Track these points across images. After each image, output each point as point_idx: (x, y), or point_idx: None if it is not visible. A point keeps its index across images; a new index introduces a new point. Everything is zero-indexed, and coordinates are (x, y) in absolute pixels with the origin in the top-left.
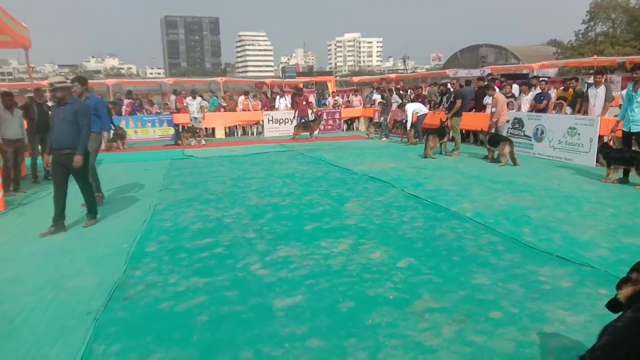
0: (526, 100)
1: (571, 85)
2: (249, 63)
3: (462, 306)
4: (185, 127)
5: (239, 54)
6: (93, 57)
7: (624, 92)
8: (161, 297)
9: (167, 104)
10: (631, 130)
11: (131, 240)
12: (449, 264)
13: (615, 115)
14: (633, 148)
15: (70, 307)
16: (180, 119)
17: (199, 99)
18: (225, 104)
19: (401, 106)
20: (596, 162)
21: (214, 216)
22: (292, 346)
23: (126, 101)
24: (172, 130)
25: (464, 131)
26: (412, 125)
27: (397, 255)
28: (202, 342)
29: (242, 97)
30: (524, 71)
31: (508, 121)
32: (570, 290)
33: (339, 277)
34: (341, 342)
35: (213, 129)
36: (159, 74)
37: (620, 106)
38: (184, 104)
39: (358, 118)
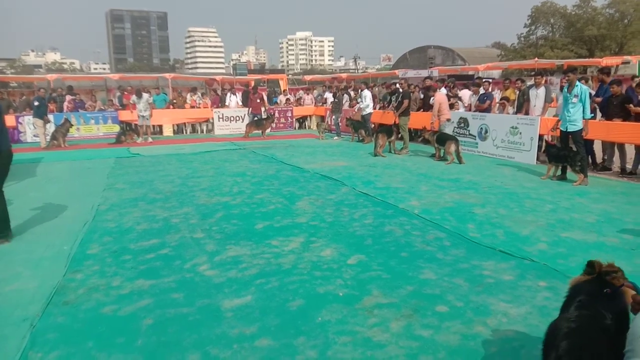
0: (475, 100)
1: (516, 85)
2: (198, 59)
3: (409, 301)
4: (133, 126)
5: (189, 50)
6: (33, 50)
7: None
8: (104, 300)
9: (111, 100)
10: (567, 130)
11: (72, 242)
12: (397, 260)
13: (555, 115)
14: (571, 146)
15: (5, 314)
16: (126, 116)
17: (145, 95)
18: (175, 101)
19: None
20: (537, 159)
21: (160, 216)
22: (240, 347)
23: (68, 97)
24: (117, 128)
25: (412, 130)
26: (362, 124)
27: (347, 252)
28: (147, 346)
29: (189, 94)
30: (470, 72)
31: (449, 120)
32: (512, 283)
33: (289, 276)
34: (291, 341)
35: (160, 126)
36: (104, 69)
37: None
38: (131, 101)
39: (310, 116)
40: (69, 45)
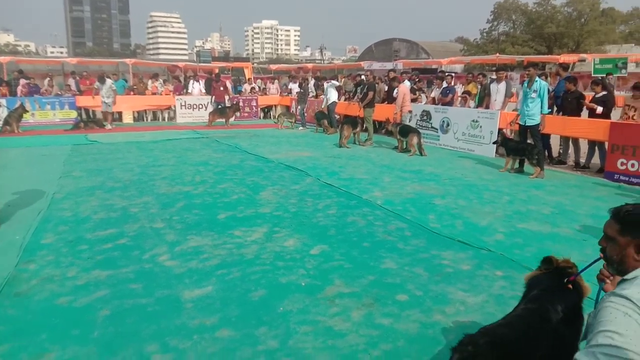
0: (437, 94)
1: (478, 80)
2: (160, 45)
3: (371, 290)
4: (91, 114)
5: (150, 36)
6: None
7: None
8: (58, 291)
9: (68, 85)
10: (526, 124)
11: (25, 231)
12: (359, 249)
13: (514, 109)
14: (528, 141)
15: None
16: (84, 101)
17: (109, 81)
18: (135, 87)
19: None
20: (495, 153)
21: (119, 205)
22: (201, 337)
23: (22, 81)
24: (74, 114)
25: (376, 122)
26: (324, 114)
27: (310, 242)
28: (103, 337)
29: (150, 81)
30: (434, 66)
31: (410, 112)
32: (470, 272)
33: (251, 266)
34: (252, 331)
35: (120, 113)
36: (62, 53)
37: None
38: (95, 86)
39: (275, 106)
40: (23, 27)
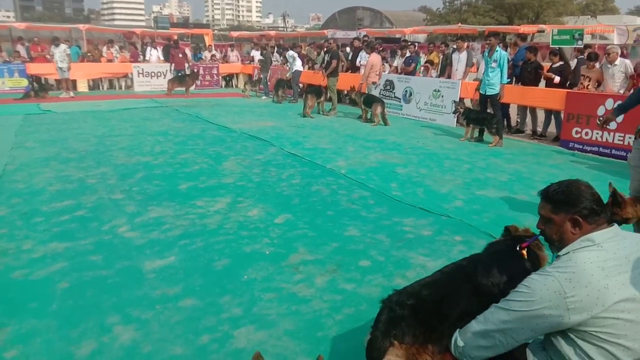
0: (400, 63)
1: (440, 49)
2: (116, 10)
3: (334, 257)
4: (43, 81)
5: (105, 0)
6: None
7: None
8: (13, 265)
9: (17, 51)
10: (486, 93)
11: None
12: (323, 218)
13: (475, 79)
14: (488, 110)
15: None
16: (35, 69)
17: (63, 46)
18: (89, 54)
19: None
20: (456, 122)
21: (75, 176)
22: (164, 307)
23: None
24: (25, 82)
25: (345, 92)
26: (283, 82)
27: (274, 212)
28: (62, 310)
29: (105, 47)
30: (397, 35)
31: (374, 83)
32: (430, 238)
33: (215, 236)
34: (216, 299)
35: (74, 81)
36: (8, 17)
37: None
38: (50, 52)
39: (237, 74)
40: None
